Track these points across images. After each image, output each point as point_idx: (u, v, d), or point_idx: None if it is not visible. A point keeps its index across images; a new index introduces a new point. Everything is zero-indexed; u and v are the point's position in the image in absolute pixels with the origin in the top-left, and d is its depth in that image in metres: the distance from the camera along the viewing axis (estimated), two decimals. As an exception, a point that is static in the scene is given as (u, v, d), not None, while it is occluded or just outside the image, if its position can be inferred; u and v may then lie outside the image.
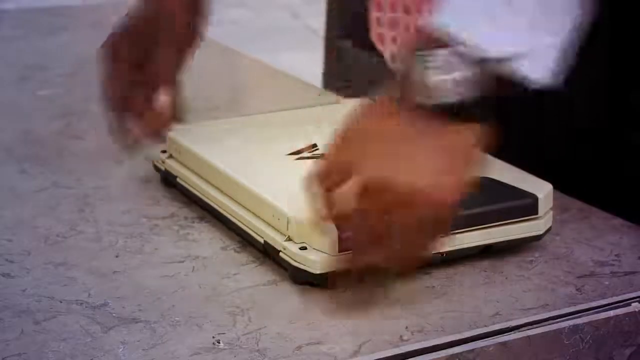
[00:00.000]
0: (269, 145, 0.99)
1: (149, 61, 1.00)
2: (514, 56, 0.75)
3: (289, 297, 0.83)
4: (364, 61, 1.29)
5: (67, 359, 0.74)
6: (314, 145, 0.98)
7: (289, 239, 0.85)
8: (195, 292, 0.83)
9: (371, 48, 1.14)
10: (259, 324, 0.79)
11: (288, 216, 0.85)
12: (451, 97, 0.75)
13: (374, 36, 1.07)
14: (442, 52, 0.75)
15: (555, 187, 0.93)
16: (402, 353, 0.75)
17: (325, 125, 1.06)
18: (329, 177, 0.79)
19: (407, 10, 1.04)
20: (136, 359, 0.74)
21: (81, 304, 0.81)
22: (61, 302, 0.81)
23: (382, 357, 0.75)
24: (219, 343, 0.76)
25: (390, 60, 1.07)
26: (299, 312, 0.81)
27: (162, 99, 1.00)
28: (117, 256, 0.89)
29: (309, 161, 0.95)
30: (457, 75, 0.75)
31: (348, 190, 0.77)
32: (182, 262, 0.88)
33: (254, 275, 0.86)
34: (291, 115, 1.09)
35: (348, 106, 1.09)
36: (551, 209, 0.91)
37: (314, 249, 0.83)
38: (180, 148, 1.00)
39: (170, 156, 1.01)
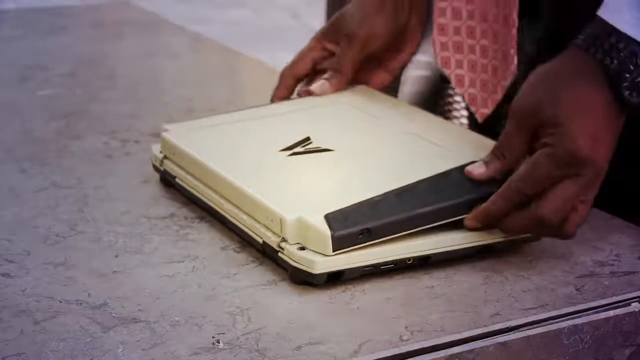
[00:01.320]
0: (262, 141, 0.99)
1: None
2: None
3: (288, 297, 0.83)
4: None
5: (66, 359, 0.74)
6: (307, 139, 0.97)
7: (284, 240, 0.85)
8: (195, 292, 0.83)
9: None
10: (258, 324, 0.78)
11: (281, 217, 0.85)
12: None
13: (439, 60, 1.07)
14: None
15: None
16: (401, 353, 0.75)
17: (318, 115, 1.05)
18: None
19: (471, 34, 1.05)
20: (136, 359, 0.74)
21: (81, 304, 0.81)
22: (61, 302, 0.81)
23: (381, 357, 0.75)
24: (219, 343, 0.76)
25: (456, 84, 1.07)
26: (298, 312, 0.81)
27: (332, 81, 1.09)
28: (116, 256, 0.89)
29: (302, 157, 0.95)
30: None
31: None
32: (182, 262, 0.88)
33: (253, 275, 0.86)
34: (283, 106, 1.08)
35: (341, 95, 1.09)
36: None
37: (309, 249, 0.84)
38: (175, 149, 1.00)
39: (166, 157, 1.01)
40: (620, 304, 0.83)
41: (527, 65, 0.98)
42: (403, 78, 1.22)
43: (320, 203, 0.86)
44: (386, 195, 0.87)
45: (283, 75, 1.11)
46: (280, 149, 0.96)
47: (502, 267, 0.88)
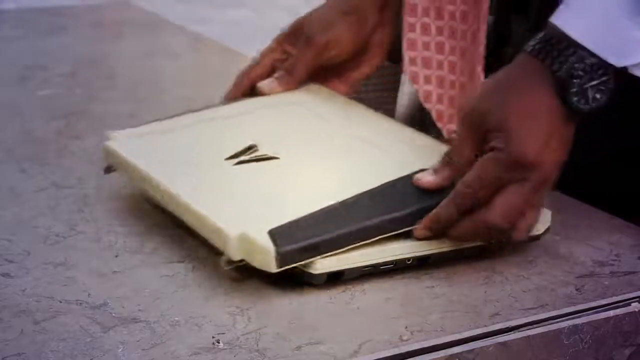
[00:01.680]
0: (207, 149, 0.96)
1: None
2: None
3: (288, 297, 0.83)
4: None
5: (66, 359, 0.74)
6: (253, 146, 0.95)
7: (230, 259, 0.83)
8: (195, 292, 0.83)
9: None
10: (258, 324, 0.79)
11: (224, 233, 0.83)
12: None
13: (408, 75, 1.07)
14: None
15: (555, 187, 0.93)
16: (401, 353, 0.75)
17: (265, 118, 1.03)
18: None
19: (440, 50, 1.05)
20: (136, 359, 0.74)
21: (81, 304, 0.81)
22: (61, 302, 0.81)
23: (381, 357, 0.75)
24: (219, 343, 0.76)
25: (424, 100, 1.07)
26: (298, 312, 0.81)
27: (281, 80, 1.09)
28: (116, 256, 0.89)
29: (248, 166, 0.93)
30: None
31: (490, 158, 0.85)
32: (182, 261, 0.88)
33: (253, 275, 0.86)
34: (231, 108, 1.06)
35: (291, 94, 1.08)
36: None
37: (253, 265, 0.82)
38: (119, 159, 0.97)
39: (110, 168, 0.99)
40: (620, 304, 0.83)
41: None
42: (403, 78, 1.22)
43: (264, 217, 0.83)
44: (332, 207, 0.85)
45: (239, 76, 1.10)
46: (226, 157, 0.94)
47: (502, 267, 0.88)
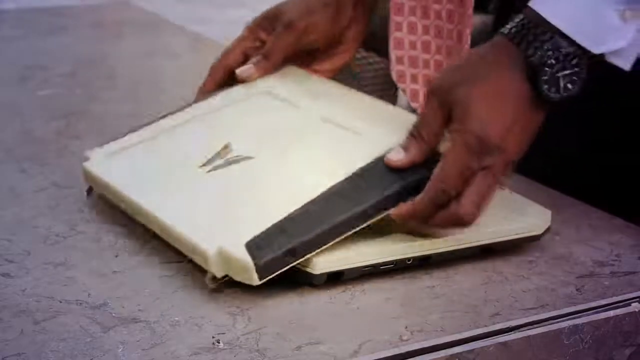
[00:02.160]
0: (181, 157, 0.95)
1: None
2: None
3: (288, 297, 0.83)
4: (363, 61, 1.29)
5: (66, 359, 0.73)
6: (227, 147, 0.95)
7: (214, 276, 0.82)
8: (195, 292, 0.83)
9: (368, 48, 1.14)
10: (258, 324, 0.78)
11: (203, 251, 0.82)
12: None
13: (394, 74, 1.07)
14: None
15: (555, 187, 0.93)
16: (401, 353, 0.75)
17: (238, 112, 1.02)
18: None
19: (426, 49, 1.05)
20: (136, 359, 0.74)
21: (81, 304, 0.81)
22: (61, 302, 0.81)
23: (381, 357, 0.75)
24: (219, 343, 0.76)
25: (411, 98, 1.07)
26: (298, 312, 0.81)
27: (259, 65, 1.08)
28: (116, 256, 0.89)
29: (222, 171, 0.92)
30: None
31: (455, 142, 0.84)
32: (182, 262, 0.88)
33: (253, 275, 0.86)
34: (204, 106, 1.05)
35: (266, 80, 1.07)
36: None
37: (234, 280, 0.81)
38: (96, 181, 0.97)
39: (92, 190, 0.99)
40: (620, 304, 0.83)
41: None
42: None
43: (242, 228, 0.82)
44: (305, 208, 0.83)
45: (213, 67, 1.09)
46: (200, 164, 0.93)
47: (502, 267, 0.88)
